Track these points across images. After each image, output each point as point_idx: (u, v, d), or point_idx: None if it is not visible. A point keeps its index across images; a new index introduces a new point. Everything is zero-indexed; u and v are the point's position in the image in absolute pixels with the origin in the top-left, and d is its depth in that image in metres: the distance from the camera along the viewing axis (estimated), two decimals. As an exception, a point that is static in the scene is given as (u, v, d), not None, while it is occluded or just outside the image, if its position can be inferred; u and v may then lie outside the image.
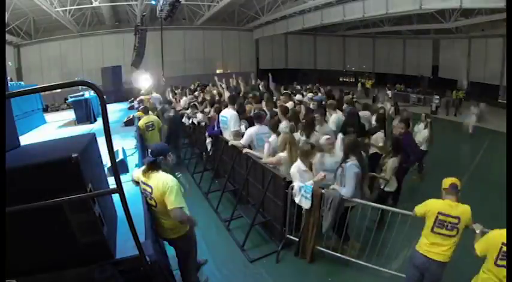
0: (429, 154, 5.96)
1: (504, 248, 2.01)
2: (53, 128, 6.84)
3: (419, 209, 2.57)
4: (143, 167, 2.47)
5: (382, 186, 3.97)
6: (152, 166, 2.37)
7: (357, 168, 3.16)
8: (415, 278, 2.57)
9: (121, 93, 11.57)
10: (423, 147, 5.70)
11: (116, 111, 8.73)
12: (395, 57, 21.89)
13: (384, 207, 3.29)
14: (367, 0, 12.17)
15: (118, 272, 1.72)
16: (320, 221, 3.32)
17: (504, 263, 2.00)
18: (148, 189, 2.34)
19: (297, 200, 3.29)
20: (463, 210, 2.35)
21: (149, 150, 2.53)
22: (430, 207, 2.46)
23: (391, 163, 3.84)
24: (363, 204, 3.28)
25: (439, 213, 2.38)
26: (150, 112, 6.12)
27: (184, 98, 8.90)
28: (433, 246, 2.42)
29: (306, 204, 3.24)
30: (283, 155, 3.67)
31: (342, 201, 3.16)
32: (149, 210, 2.47)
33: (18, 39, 15.99)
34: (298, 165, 3.34)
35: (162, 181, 2.28)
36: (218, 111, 5.22)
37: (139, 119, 6.09)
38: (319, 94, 8.25)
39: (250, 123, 4.68)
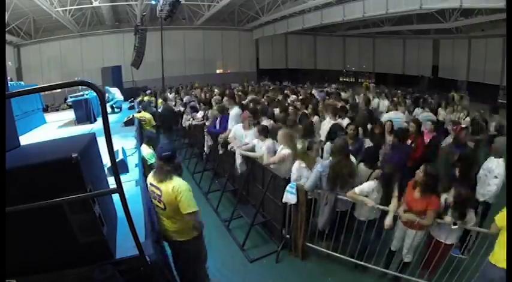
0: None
1: None
2: (53, 128, 6.85)
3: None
4: (154, 171, 2.43)
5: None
6: (163, 172, 2.31)
7: (322, 168, 3.24)
8: None
9: (121, 93, 11.57)
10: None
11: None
12: (395, 57, 21.82)
13: (382, 207, 3.25)
14: (367, 0, 12.13)
15: (118, 272, 1.72)
16: (314, 218, 3.35)
17: None
18: (158, 192, 2.32)
19: (283, 198, 3.32)
20: None
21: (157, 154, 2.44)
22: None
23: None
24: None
25: None
26: None
27: (186, 97, 9.04)
28: None
29: (292, 199, 3.26)
30: (286, 152, 3.67)
31: (337, 198, 3.17)
32: (153, 211, 2.46)
33: (18, 39, 15.96)
34: (298, 162, 3.43)
35: (172, 186, 2.24)
36: (221, 110, 5.26)
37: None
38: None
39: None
